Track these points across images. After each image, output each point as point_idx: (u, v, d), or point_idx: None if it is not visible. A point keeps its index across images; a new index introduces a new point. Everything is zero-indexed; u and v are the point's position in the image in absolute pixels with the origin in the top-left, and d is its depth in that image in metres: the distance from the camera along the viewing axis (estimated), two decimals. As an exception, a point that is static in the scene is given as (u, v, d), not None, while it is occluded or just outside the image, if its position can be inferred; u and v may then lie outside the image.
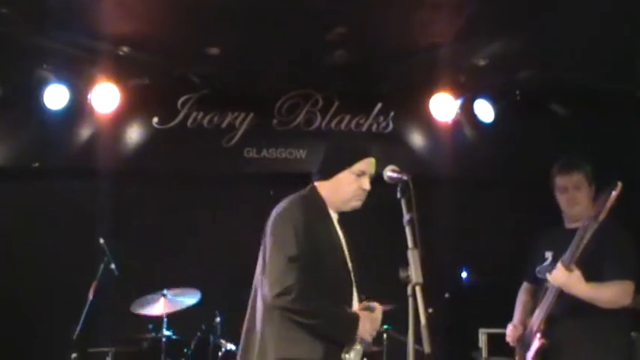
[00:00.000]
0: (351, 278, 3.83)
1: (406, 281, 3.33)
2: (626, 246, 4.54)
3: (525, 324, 4.88)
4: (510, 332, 4.93)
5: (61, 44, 6.70)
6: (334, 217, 3.97)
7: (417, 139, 7.89)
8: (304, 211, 3.83)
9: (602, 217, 4.32)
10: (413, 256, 3.33)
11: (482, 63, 6.98)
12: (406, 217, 3.44)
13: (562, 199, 4.82)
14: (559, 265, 4.43)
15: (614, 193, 4.25)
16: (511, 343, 4.94)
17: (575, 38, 6.38)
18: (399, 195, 3.53)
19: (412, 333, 3.27)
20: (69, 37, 6.58)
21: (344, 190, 3.90)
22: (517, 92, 7.56)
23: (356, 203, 3.91)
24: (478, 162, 7.72)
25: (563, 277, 4.39)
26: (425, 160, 7.81)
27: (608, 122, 7.41)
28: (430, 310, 6.49)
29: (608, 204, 4.27)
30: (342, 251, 3.87)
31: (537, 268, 4.83)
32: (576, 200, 4.74)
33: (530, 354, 4.67)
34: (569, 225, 4.80)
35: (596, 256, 4.41)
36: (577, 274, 4.37)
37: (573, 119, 7.59)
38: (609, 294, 4.44)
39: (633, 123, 7.23)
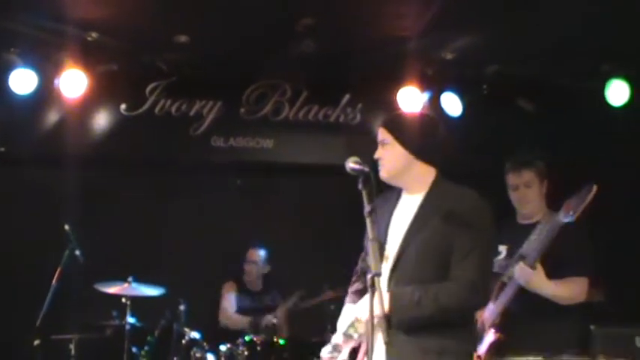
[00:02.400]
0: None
1: (366, 272, 3.37)
2: (585, 243, 4.62)
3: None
4: None
5: (28, 28, 6.64)
6: (405, 197, 3.80)
7: (384, 132, 7.92)
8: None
9: (573, 219, 4.36)
10: (373, 248, 3.36)
11: (449, 57, 7.03)
12: (367, 208, 3.47)
13: (513, 197, 4.90)
14: (522, 264, 4.47)
15: (589, 197, 4.29)
16: None
17: (543, 34, 6.45)
18: (359, 186, 3.56)
19: (371, 323, 3.29)
20: (37, 21, 6.53)
21: None
22: (484, 87, 7.61)
23: (380, 174, 3.79)
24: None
25: (528, 274, 4.44)
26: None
27: (574, 118, 7.48)
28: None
29: (582, 207, 4.32)
30: (383, 235, 3.68)
31: None
32: (527, 198, 4.83)
33: (484, 347, 4.70)
34: (521, 221, 4.86)
35: (556, 252, 4.47)
36: (540, 271, 4.43)
37: (540, 115, 7.66)
38: (569, 291, 4.53)
39: (598, 120, 7.30)
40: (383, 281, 3.50)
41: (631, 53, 6.81)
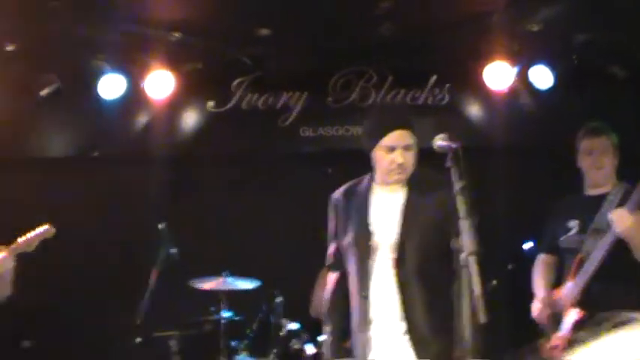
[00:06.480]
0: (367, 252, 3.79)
1: (459, 251, 3.30)
2: None
3: (551, 298, 4.79)
4: (539, 309, 4.85)
5: (113, 33, 6.77)
6: (380, 187, 3.90)
7: (473, 110, 7.78)
8: (342, 189, 4.05)
9: None
10: (465, 226, 3.30)
11: (536, 28, 6.84)
12: (457, 186, 3.40)
13: (586, 162, 4.76)
14: (621, 210, 4.32)
15: None
16: (539, 321, 4.86)
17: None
18: (448, 164, 3.49)
19: (467, 303, 3.23)
20: (121, 26, 6.65)
21: (379, 165, 3.85)
22: (574, 57, 7.39)
23: (395, 177, 3.80)
24: (536, 130, 7.58)
25: (629, 220, 4.27)
26: (482, 131, 7.70)
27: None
28: (494, 282, 6.44)
29: None
30: (365, 227, 3.81)
31: (562, 238, 4.74)
32: (601, 164, 4.70)
33: (567, 327, 4.55)
34: (590, 192, 4.72)
35: None
36: None
37: (632, 83, 7.41)
38: None
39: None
40: (386, 270, 3.70)
41: None
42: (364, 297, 3.73)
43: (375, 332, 3.70)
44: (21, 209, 6.81)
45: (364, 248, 3.75)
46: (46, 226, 4.81)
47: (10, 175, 7.63)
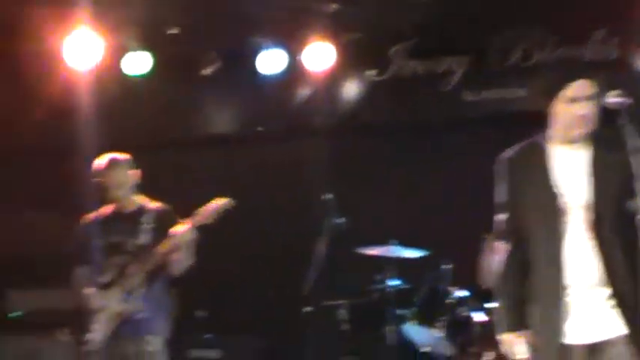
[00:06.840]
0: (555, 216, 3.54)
1: (635, 213, 3.15)
2: None
3: None
4: None
5: (272, 9, 6.85)
6: (560, 148, 3.62)
7: (644, 63, 7.41)
8: (513, 151, 3.75)
9: None
10: (642, 187, 3.14)
11: None
12: (632, 144, 3.24)
13: None
14: None
15: None
16: None
17: None
18: (622, 121, 3.32)
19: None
20: (278, 1, 6.72)
21: (560, 119, 3.55)
22: None
23: (578, 131, 3.51)
24: None
25: None
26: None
27: None
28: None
29: None
30: (550, 188, 3.57)
31: None
32: None
33: None
34: None
35: None
36: None
37: None
38: None
39: None
40: (580, 233, 3.46)
41: None
42: (556, 263, 3.50)
43: (572, 299, 3.48)
44: (190, 185, 7.05)
45: (551, 211, 3.50)
46: (226, 200, 4.93)
47: (178, 153, 7.91)
